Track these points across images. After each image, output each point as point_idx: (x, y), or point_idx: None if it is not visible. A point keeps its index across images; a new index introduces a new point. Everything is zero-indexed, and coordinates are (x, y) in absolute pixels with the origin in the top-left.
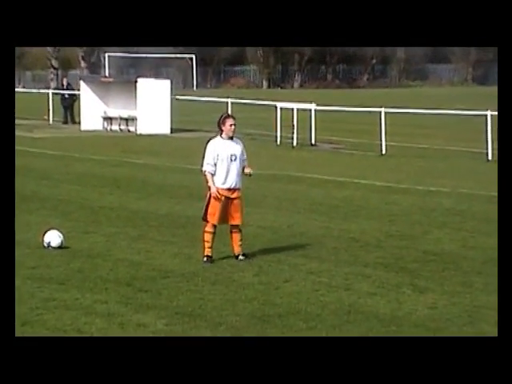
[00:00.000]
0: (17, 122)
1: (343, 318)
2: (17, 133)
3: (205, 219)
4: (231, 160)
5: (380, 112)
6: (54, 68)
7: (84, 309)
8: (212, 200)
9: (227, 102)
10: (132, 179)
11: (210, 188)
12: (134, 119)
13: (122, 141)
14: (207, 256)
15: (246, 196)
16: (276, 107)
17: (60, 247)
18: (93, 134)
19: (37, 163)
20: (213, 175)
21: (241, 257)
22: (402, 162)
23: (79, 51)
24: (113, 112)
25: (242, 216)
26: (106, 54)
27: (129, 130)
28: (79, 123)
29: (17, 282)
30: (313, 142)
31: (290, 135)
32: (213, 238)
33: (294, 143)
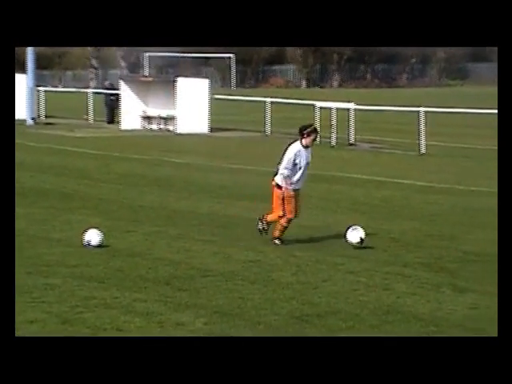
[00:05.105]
0: (57, 121)
1: (382, 317)
2: (57, 132)
3: (284, 215)
4: (306, 168)
5: (419, 111)
6: (95, 68)
7: (123, 307)
8: (287, 199)
9: (265, 102)
10: (172, 178)
11: (286, 189)
12: (172, 118)
13: (162, 140)
14: (279, 239)
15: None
16: (315, 107)
17: (100, 246)
18: (132, 134)
19: (77, 162)
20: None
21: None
22: (442, 161)
23: (118, 51)
24: (152, 111)
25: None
26: (146, 54)
27: (168, 130)
28: (119, 123)
29: (57, 281)
30: (351, 141)
31: (328, 135)
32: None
33: (333, 143)
